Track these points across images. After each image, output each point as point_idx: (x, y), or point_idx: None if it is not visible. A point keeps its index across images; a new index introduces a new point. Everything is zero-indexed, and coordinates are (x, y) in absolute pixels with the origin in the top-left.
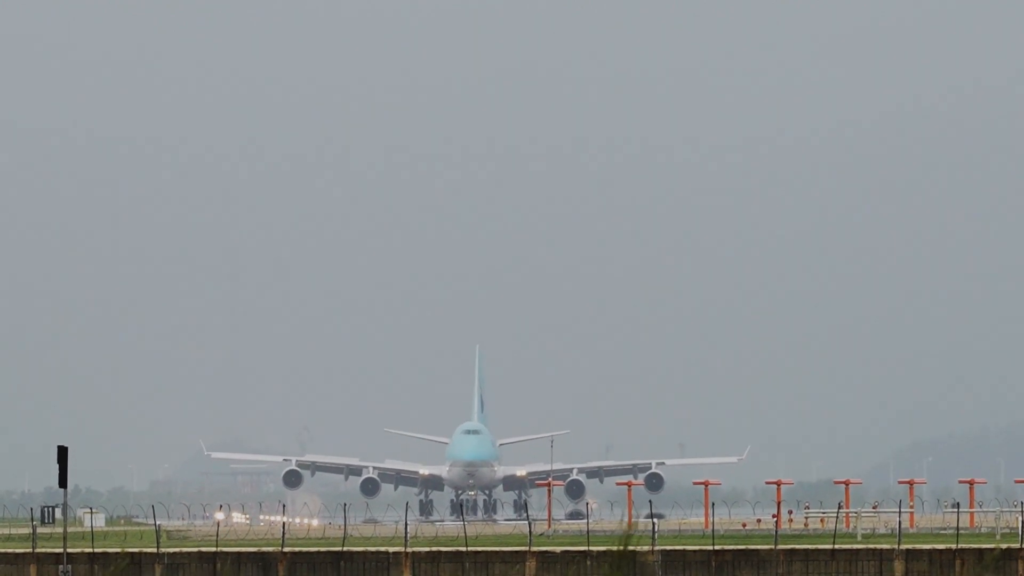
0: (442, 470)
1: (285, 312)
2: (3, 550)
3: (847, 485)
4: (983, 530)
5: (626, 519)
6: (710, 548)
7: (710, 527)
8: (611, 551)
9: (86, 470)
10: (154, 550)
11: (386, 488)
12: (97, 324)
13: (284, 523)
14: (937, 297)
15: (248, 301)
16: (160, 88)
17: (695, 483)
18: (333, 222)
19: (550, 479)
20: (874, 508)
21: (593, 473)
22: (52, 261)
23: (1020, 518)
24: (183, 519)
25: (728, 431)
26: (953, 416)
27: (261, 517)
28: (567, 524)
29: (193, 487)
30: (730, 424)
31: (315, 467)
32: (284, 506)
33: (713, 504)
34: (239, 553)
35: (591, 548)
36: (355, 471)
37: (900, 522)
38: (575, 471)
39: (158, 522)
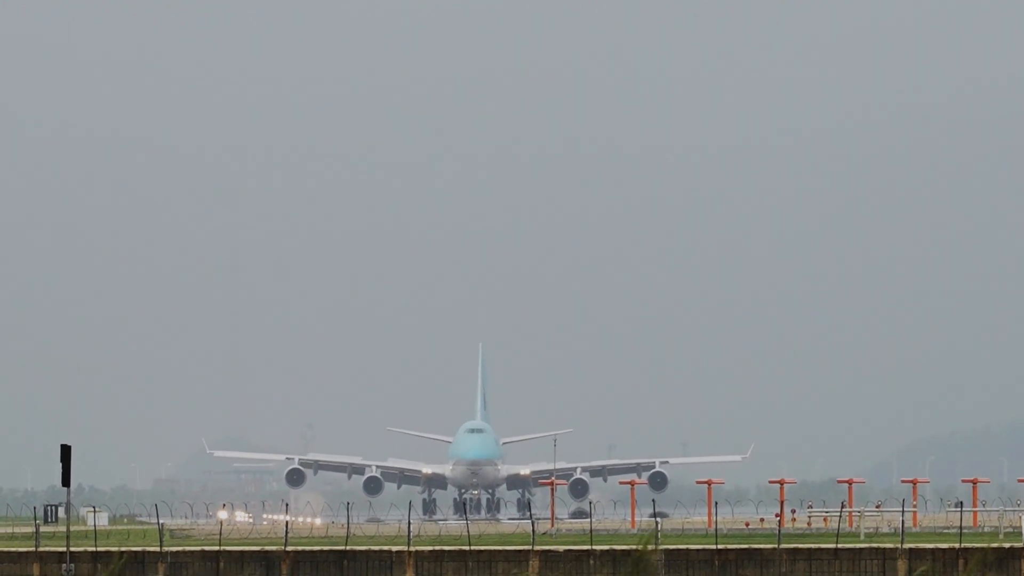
0: (445, 469)
1: (288, 311)
2: (6, 549)
3: (850, 484)
4: (986, 529)
5: (629, 518)
6: (713, 547)
7: (713, 526)
8: (614, 551)
9: (89, 468)
10: (157, 549)
11: (389, 487)
12: (100, 323)
13: (287, 522)
14: (940, 296)
15: (251, 300)
16: (166, 88)
17: (698, 482)
18: (336, 221)
19: (553, 478)
20: (877, 507)
21: (597, 472)
22: (55, 260)
23: (1023, 517)
24: (186, 518)
25: (731, 430)
26: (956, 415)
27: (264, 516)
28: (570, 523)
29: (196, 486)
30: (733, 423)
31: (318, 466)
32: (287, 505)
33: (716, 503)
34: (242, 552)
35: (594, 547)
36: (358, 470)
37: (903, 521)
38: (579, 470)
39: (161, 521)
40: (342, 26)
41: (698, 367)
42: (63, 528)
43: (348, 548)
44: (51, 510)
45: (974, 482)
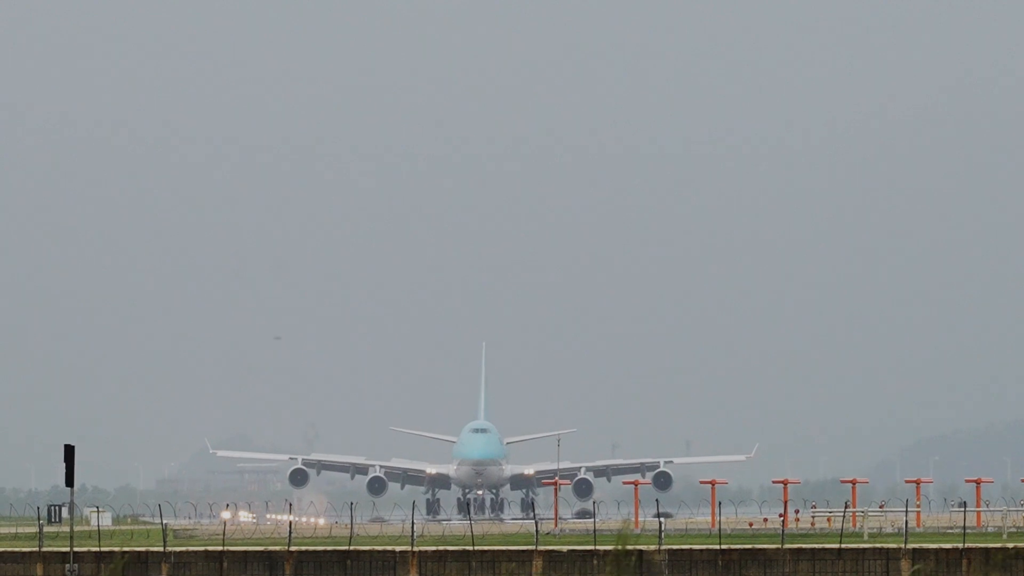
0: (449, 469)
1: (291, 311)
2: (10, 549)
3: (854, 484)
4: (990, 529)
5: (633, 518)
6: (717, 547)
7: (717, 526)
8: (615, 550)
9: (93, 468)
10: (160, 549)
11: (392, 487)
12: (104, 323)
13: (290, 522)
14: (943, 295)
15: (254, 300)
16: (169, 89)
17: (702, 482)
18: (339, 221)
19: (556, 478)
20: (881, 507)
21: (601, 472)
22: (59, 260)
23: None
24: (189, 518)
25: (734, 430)
26: (959, 415)
27: (267, 516)
28: (574, 523)
29: (200, 485)
30: (736, 423)
31: (321, 466)
32: (290, 505)
33: (720, 503)
34: (245, 552)
35: (598, 547)
36: (361, 470)
37: (907, 521)
38: (583, 470)
39: (164, 521)
40: (344, 27)
41: (701, 367)
42: (67, 528)
43: (352, 548)
44: (55, 510)
45: (978, 482)
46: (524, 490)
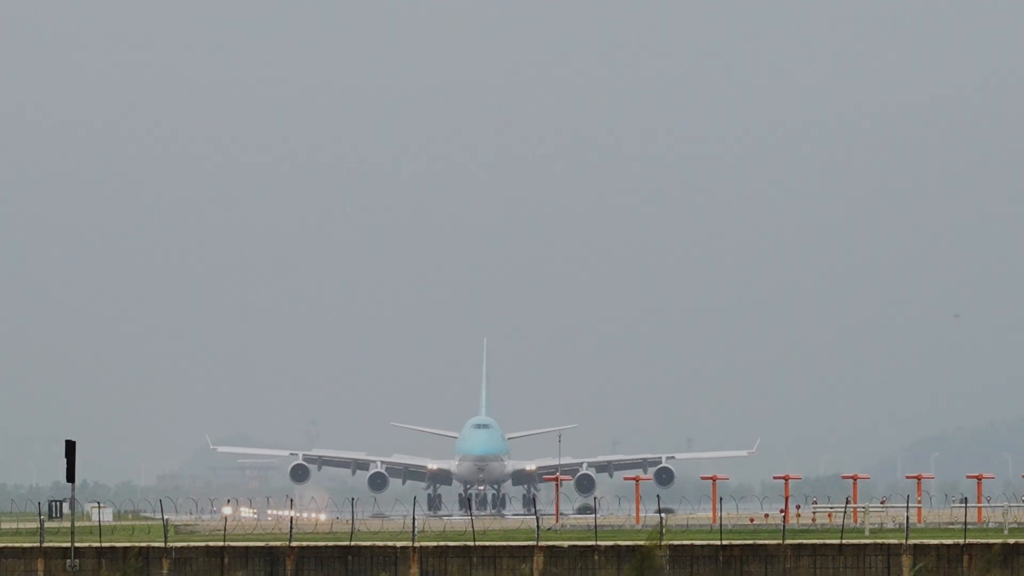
0: (451, 464)
1: (292, 307)
2: (11, 544)
3: (855, 480)
4: (991, 525)
5: (633, 514)
6: (718, 543)
7: (718, 522)
8: (619, 546)
9: (94, 464)
10: (162, 544)
11: (394, 483)
12: (105, 319)
13: (291, 517)
14: (945, 292)
15: (255, 296)
16: (169, 88)
17: (703, 478)
18: (339, 218)
19: (558, 474)
20: (882, 503)
21: (603, 467)
22: (60, 258)
23: None
24: (191, 514)
25: (735, 426)
26: (961, 411)
27: (268, 512)
28: (575, 519)
29: (200, 482)
30: (737, 419)
31: (322, 462)
32: (291, 500)
33: (721, 499)
34: (246, 548)
35: (599, 543)
36: (362, 465)
37: (908, 517)
38: (584, 465)
39: (166, 516)
40: (345, 27)
41: (703, 363)
42: (67, 524)
43: (352, 544)
44: (55, 506)
45: (979, 478)
46: (526, 486)
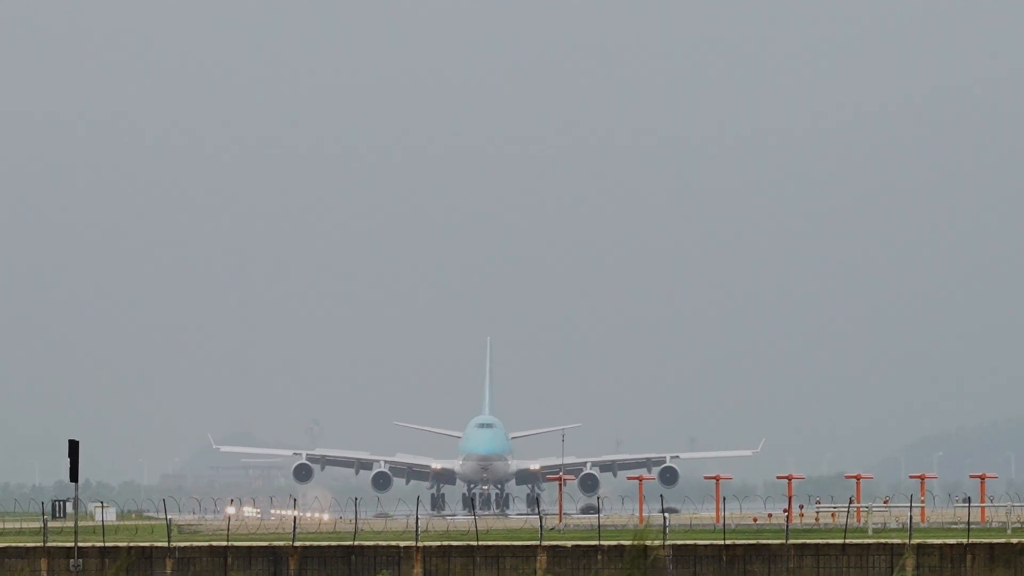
0: (454, 464)
1: (294, 306)
2: (15, 544)
3: (858, 480)
4: (994, 525)
5: (637, 514)
6: (721, 543)
7: (721, 522)
8: (622, 546)
9: (97, 464)
10: (165, 544)
11: (397, 482)
12: (107, 318)
13: (295, 517)
14: (948, 292)
15: (257, 295)
16: (171, 88)
17: (706, 477)
18: (342, 216)
19: (561, 473)
20: (885, 503)
21: (607, 467)
22: (63, 256)
23: None
24: (194, 513)
25: (738, 425)
26: (964, 411)
27: (272, 511)
28: (578, 519)
29: (203, 481)
30: (740, 418)
31: (325, 461)
32: (295, 500)
33: (724, 499)
34: (250, 547)
35: (602, 543)
36: (366, 465)
37: (911, 517)
38: (588, 465)
39: (169, 516)
40: (346, 24)
41: (706, 362)
42: (71, 523)
43: (356, 543)
44: (59, 505)
45: (982, 477)
46: (530, 485)
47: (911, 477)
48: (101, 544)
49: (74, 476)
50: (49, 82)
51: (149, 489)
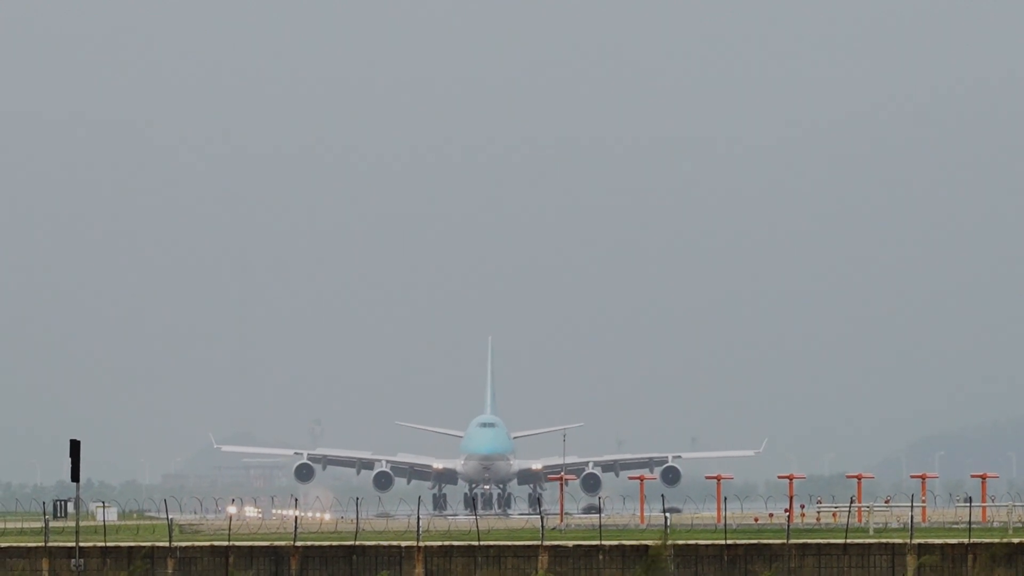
0: (456, 464)
1: (295, 306)
2: (16, 544)
3: (859, 479)
4: (995, 524)
5: (639, 513)
6: (722, 543)
7: (722, 522)
8: (623, 546)
9: (98, 464)
10: (166, 544)
11: (399, 482)
12: (109, 319)
13: (296, 517)
14: (949, 293)
15: (258, 295)
16: (173, 88)
17: (707, 477)
18: (343, 217)
19: (562, 473)
20: (886, 502)
21: (609, 467)
22: (64, 258)
23: None
24: (195, 513)
25: (740, 425)
26: (965, 411)
27: (273, 511)
28: (580, 519)
29: (205, 481)
30: (742, 418)
31: (327, 461)
32: (296, 500)
33: (725, 499)
34: (251, 547)
35: (604, 543)
36: (367, 465)
37: (912, 516)
38: (591, 464)
39: (170, 516)
40: (346, 26)
41: (707, 362)
42: (72, 523)
43: (357, 543)
44: (60, 505)
45: (983, 477)
46: (532, 485)
47: (912, 477)
48: (102, 544)
49: (75, 476)
50: (50, 82)
51: (150, 489)
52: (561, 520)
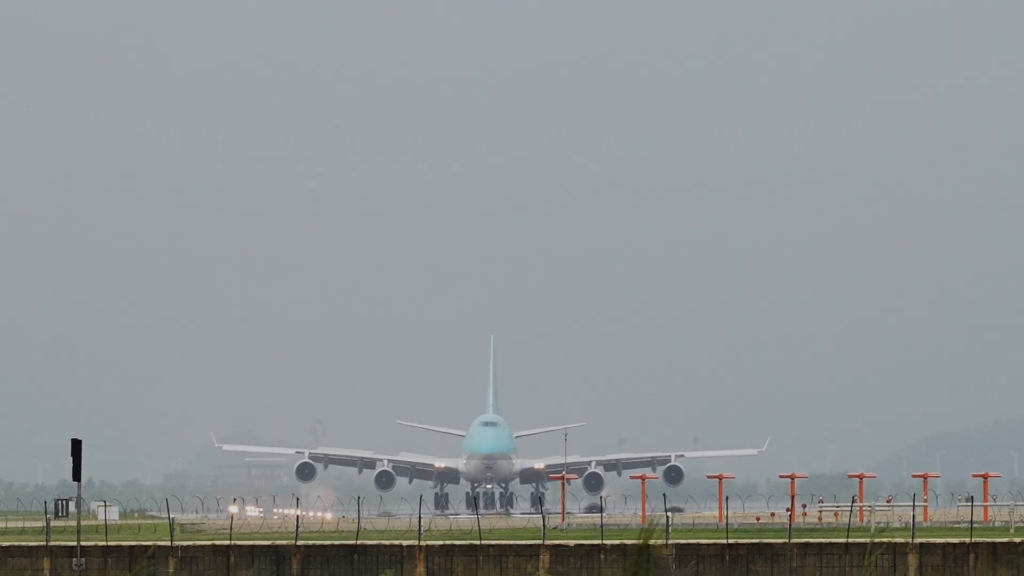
0: (458, 463)
1: (297, 305)
2: (17, 543)
3: (861, 479)
4: (997, 524)
5: (641, 513)
6: (724, 542)
7: (724, 521)
8: (625, 545)
9: (100, 463)
10: (168, 543)
11: (400, 481)
12: (110, 318)
13: (298, 516)
14: (950, 292)
15: (260, 294)
16: (174, 87)
17: (709, 477)
18: (344, 216)
19: (564, 472)
20: (888, 502)
21: (611, 466)
22: (66, 258)
23: None
24: (196, 512)
25: (742, 425)
26: (966, 410)
27: (274, 510)
28: (581, 518)
29: (206, 480)
30: (744, 418)
31: (328, 460)
32: (297, 499)
33: (727, 498)
34: (252, 546)
35: (605, 542)
36: (369, 464)
37: (914, 516)
38: (593, 464)
39: (172, 515)
40: (346, 25)
41: (709, 362)
42: (74, 522)
43: (359, 542)
44: (61, 504)
45: (985, 477)
46: (534, 484)
47: (914, 476)
48: (104, 543)
49: (77, 475)
50: (51, 82)
51: (152, 488)
52: (563, 519)
